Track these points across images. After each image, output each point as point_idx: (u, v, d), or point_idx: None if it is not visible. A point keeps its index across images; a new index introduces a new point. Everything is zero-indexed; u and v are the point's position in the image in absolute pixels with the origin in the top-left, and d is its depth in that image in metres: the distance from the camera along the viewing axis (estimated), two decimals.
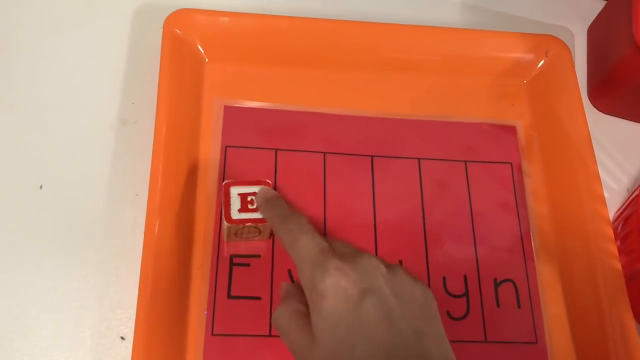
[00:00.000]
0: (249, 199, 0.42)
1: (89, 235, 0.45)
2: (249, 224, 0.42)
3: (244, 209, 0.42)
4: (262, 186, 0.43)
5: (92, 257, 0.45)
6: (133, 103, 0.50)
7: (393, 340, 0.32)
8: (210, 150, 0.48)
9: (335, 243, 0.38)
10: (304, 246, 0.36)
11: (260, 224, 0.42)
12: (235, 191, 0.43)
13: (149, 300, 0.41)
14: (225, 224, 0.42)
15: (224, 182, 0.43)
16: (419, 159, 0.51)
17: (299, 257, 0.36)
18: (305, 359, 0.34)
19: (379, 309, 0.33)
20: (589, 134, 0.51)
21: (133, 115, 0.50)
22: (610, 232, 0.47)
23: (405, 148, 0.51)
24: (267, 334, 0.43)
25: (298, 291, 0.39)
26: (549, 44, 0.55)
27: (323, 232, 0.47)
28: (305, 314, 0.36)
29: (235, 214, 0.42)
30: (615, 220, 0.50)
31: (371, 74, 0.53)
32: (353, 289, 0.33)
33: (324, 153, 0.50)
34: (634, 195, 0.48)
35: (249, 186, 0.43)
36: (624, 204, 0.51)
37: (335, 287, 0.33)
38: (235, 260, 0.45)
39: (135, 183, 0.47)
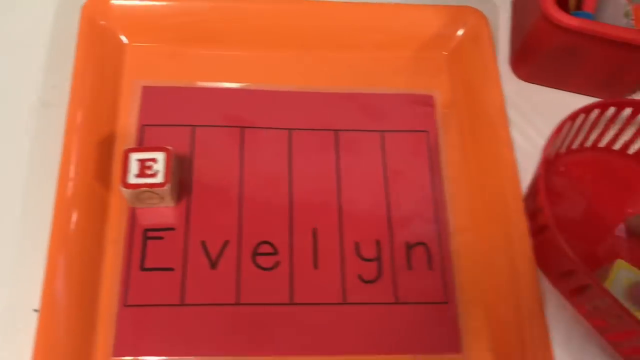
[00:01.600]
0: (147, 164, 0.43)
1: (7, 214, 0.46)
2: (145, 188, 0.43)
3: (141, 174, 0.43)
4: None
5: (8, 232, 0.46)
6: (54, 86, 0.52)
7: None
8: (127, 129, 0.50)
9: None
10: None
11: (156, 189, 0.43)
12: (134, 157, 0.44)
13: (56, 273, 0.42)
14: (121, 188, 0.43)
15: (125, 149, 0.44)
16: (335, 131, 0.52)
17: None
18: None
19: None
20: (504, 103, 0.52)
21: (54, 99, 0.51)
22: (520, 195, 0.48)
23: (322, 120, 0.52)
24: (179, 303, 0.44)
25: None
26: (467, 15, 0.56)
27: (239, 204, 0.48)
28: None
29: (132, 179, 0.43)
30: (530, 185, 0.51)
31: (290, 51, 0.54)
32: None
33: (241, 127, 0.51)
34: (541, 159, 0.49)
35: (148, 152, 0.44)
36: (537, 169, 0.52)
37: None
38: (149, 234, 0.46)
39: (54, 164, 0.48)
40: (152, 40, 0.53)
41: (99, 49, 0.51)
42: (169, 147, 0.45)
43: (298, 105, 0.52)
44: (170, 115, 0.50)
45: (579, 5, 0.53)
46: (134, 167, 0.44)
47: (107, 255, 0.45)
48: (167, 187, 0.43)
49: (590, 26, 0.48)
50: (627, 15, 0.50)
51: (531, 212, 0.47)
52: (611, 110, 0.50)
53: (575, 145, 0.53)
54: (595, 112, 0.50)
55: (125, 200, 0.46)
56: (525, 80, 0.57)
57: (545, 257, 0.47)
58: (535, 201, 0.46)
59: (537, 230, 0.46)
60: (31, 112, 0.50)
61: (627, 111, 0.51)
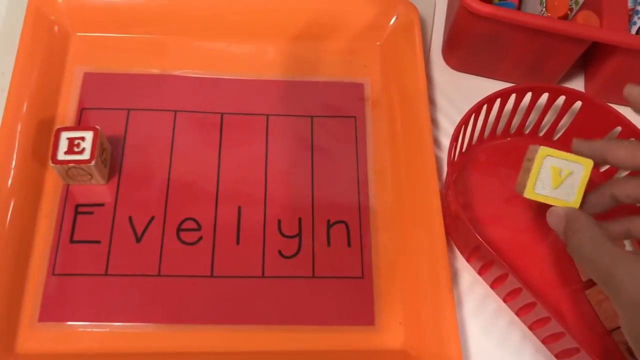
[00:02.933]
0: (75, 142, 0.46)
1: None
2: (72, 164, 0.46)
3: (70, 151, 0.46)
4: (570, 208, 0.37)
5: None
6: (3, 73, 0.55)
7: None
8: (66, 113, 0.53)
9: None
10: (628, 283, 0.30)
11: (83, 165, 0.46)
12: (65, 135, 0.47)
13: None
14: (51, 164, 0.46)
15: (57, 128, 0.47)
16: (267, 115, 0.54)
17: (627, 300, 0.30)
18: (624, 281, 0.30)
19: None
20: (426, 87, 0.54)
21: (1, 84, 0.54)
22: (435, 176, 0.50)
23: (254, 105, 0.54)
24: (104, 273, 0.47)
25: (583, 215, 0.36)
26: (398, 6, 0.58)
27: (167, 183, 0.50)
28: (606, 236, 0.33)
29: (61, 155, 0.46)
30: None
31: (226, 39, 0.57)
32: None
33: (175, 111, 0.53)
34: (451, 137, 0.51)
35: (77, 131, 0.47)
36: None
37: None
38: (80, 209, 0.49)
39: None
40: (96, 31, 0.56)
41: (44, 37, 0.54)
42: (97, 127, 0.47)
43: (231, 91, 0.55)
44: (108, 99, 0.53)
45: None
46: (63, 145, 0.47)
47: (39, 227, 0.48)
48: (92, 164, 0.46)
49: (505, 14, 0.50)
50: (541, 3, 0.52)
51: (445, 192, 0.49)
52: (529, 95, 0.52)
53: (499, 131, 0.55)
54: (513, 96, 0.52)
55: (59, 178, 0.49)
56: (456, 69, 0.59)
57: (457, 234, 0.49)
58: (446, 182, 0.49)
59: (452, 212, 0.48)
60: None
61: (545, 97, 0.52)
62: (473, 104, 0.56)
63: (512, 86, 0.51)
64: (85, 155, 0.46)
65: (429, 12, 0.61)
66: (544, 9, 0.51)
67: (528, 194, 0.39)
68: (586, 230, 0.34)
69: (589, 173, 0.38)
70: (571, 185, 0.38)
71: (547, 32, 0.50)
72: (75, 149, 0.46)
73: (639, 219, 0.38)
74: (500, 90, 0.50)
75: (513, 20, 0.50)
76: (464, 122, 0.49)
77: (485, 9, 0.50)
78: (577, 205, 0.38)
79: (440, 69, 0.59)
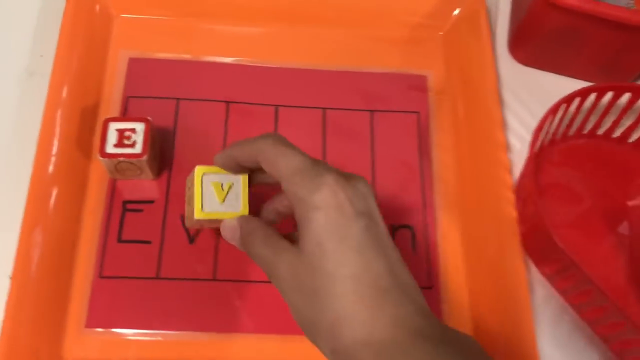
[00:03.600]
0: (126, 134, 0.43)
1: None
2: (122, 158, 0.42)
3: (119, 144, 0.42)
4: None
5: None
6: (42, 55, 0.51)
7: (382, 267, 0.31)
8: (111, 100, 0.49)
9: (320, 161, 0.35)
10: (293, 158, 0.33)
11: (134, 159, 0.42)
12: (113, 126, 0.43)
13: (32, 240, 0.41)
14: (99, 157, 0.42)
15: (105, 118, 0.43)
16: (323, 109, 0.51)
17: (288, 168, 0.33)
18: (286, 274, 0.33)
19: (372, 232, 0.32)
20: (497, 84, 0.50)
21: (41, 68, 0.51)
22: (510, 180, 0.47)
23: (309, 98, 0.51)
24: (155, 276, 0.43)
25: (254, 220, 0.37)
26: None
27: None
28: (275, 234, 0.35)
29: (110, 148, 0.42)
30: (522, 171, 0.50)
31: (282, 26, 0.53)
32: (350, 207, 0.32)
33: (227, 102, 0.50)
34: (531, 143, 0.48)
35: (127, 122, 0.43)
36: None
37: (331, 199, 0.32)
38: (129, 206, 0.45)
39: (38, 132, 0.48)
40: (141, 12, 0.52)
41: (87, 19, 0.50)
42: (149, 118, 0.44)
43: (286, 81, 0.51)
44: (155, 87, 0.50)
45: None
46: (112, 137, 0.43)
47: (84, 225, 0.45)
48: (144, 158, 0.43)
49: (589, 6, 0.46)
50: None
51: (522, 198, 0.46)
52: (609, 94, 0.48)
53: (571, 132, 0.51)
54: (592, 96, 0.48)
55: (106, 171, 0.46)
56: (523, 64, 0.55)
57: (534, 244, 0.46)
58: (525, 187, 0.45)
59: (527, 217, 0.45)
60: (19, 82, 0.50)
61: (626, 97, 0.49)
62: (542, 101, 0.52)
63: (592, 85, 0.47)
64: (137, 149, 0.43)
65: (493, 1, 0.57)
66: (631, 1, 0.47)
67: (198, 214, 0.38)
68: (257, 231, 0.36)
69: (247, 181, 0.39)
70: (235, 196, 0.38)
71: (634, 27, 0.46)
72: (126, 142, 0.43)
73: (278, 197, 0.38)
74: (580, 89, 0.47)
75: (599, 13, 0.46)
76: (543, 122, 0.45)
77: (569, 0, 0.46)
78: (246, 212, 0.38)
79: (506, 63, 0.55)
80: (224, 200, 0.38)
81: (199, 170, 0.38)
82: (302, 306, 0.32)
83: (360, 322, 0.30)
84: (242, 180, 0.39)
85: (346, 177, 0.33)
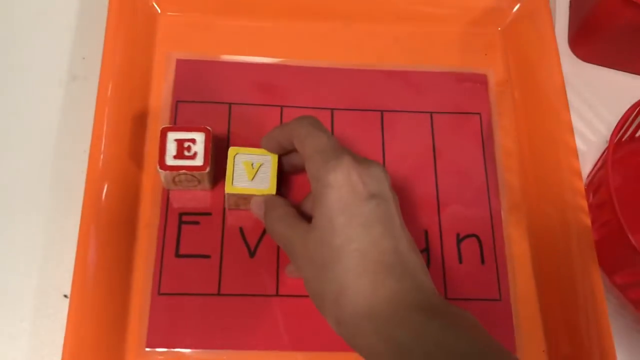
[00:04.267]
0: (185, 145, 0.40)
1: (36, 193, 0.44)
2: (184, 171, 0.40)
3: (179, 155, 0.40)
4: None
5: (38, 215, 0.44)
6: (84, 58, 0.49)
7: (387, 244, 0.33)
8: (160, 105, 0.46)
9: (343, 147, 0.37)
10: (318, 140, 0.36)
11: (196, 172, 0.40)
12: (172, 137, 0.41)
13: (87, 258, 0.39)
14: (158, 169, 0.40)
15: (162, 127, 0.41)
16: (381, 111, 0.48)
17: (312, 148, 0.36)
18: (300, 248, 0.35)
19: (382, 213, 0.34)
20: (564, 84, 0.48)
21: (83, 71, 0.48)
22: (581, 186, 0.45)
23: (367, 100, 0.48)
24: (216, 292, 0.42)
25: (278, 199, 0.40)
26: None
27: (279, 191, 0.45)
28: (295, 213, 0.38)
29: (170, 160, 0.40)
30: (591, 174, 0.48)
31: (335, 24, 0.51)
32: (362, 188, 0.34)
33: (282, 107, 0.47)
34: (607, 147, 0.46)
35: (187, 132, 0.41)
36: (600, 157, 0.48)
37: (345, 179, 0.34)
38: (185, 218, 0.43)
39: (84, 140, 0.45)
40: (187, 9, 0.49)
41: (131, 18, 0.47)
42: (208, 128, 0.41)
43: (341, 82, 0.49)
44: (205, 91, 0.47)
45: None
46: (171, 148, 0.41)
47: (140, 240, 0.43)
48: (207, 171, 0.41)
49: None
50: None
51: (594, 204, 0.44)
52: None
53: (639, 133, 0.49)
54: None
55: (159, 181, 0.44)
56: (585, 61, 0.53)
57: (608, 255, 0.44)
58: (599, 192, 0.43)
59: (600, 225, 0.43)
60: (61, 85, 0.48)
61: None
62: (607, 100, 0.51)
63: None
64: (198, 161, 0.41)
65: None
66: None
67: (228, 189, 0.40)
68: (278, 208, 0.38)
69: (276, 161, 0.41)
70: (264, 175, 0.41)
71: None
72: (186, 153, 0.41)
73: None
74: None
75: None
76: (622, 124, 0.43)
77: None
78: (273, 191, 0.40)
79: (565, 59, 0.52)
80: (253, 178, 0.41)
81: (232, 150, 0.41)
82: (312, 278, 0.34)
83: (362, 295, 0.32)
84: (272, 161, 0.41)
85: (363, 161, 0.35)
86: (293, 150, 0.39)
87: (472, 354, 0.30)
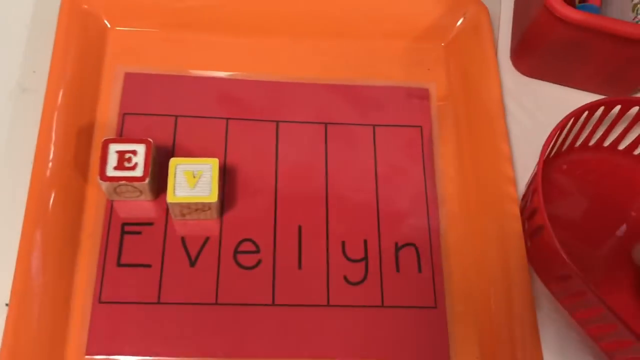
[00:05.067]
0: (126, 156, 0.42)
1: None
2: (124, 182, 0.41)
3: (120, 166, 0.41)
4: None
5: None
6: (34, 71, 0.50)
7: None
8: (107, 118, 0.48)
9: None
10: None
11: (136, 183, 0.41)
12: (113, 148, 0.42)
13: (28, 266, 0.40)
14: (99, 180, 0.41)
15: (104, 139, 0.42)
16: (325, 124, 0.50)
17: None
18: None
19: None
20: (501, 96, 0.50)
21: (33, 84, 0.49)
22: (514, 193, 0.46)
23: (311, 113, 0.50)
24: (156, 301, 0.42)
25: None
26: (466, 5, 0.53)
27: (222, 197, 0.46)
28: None
29: (110, 171, 0.41)
30: (527, 183, 0.49)
31: (282, 39, 0.52)
32: None
33: (227, 119, 0.49)
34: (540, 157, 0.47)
35: (128, 144, 0.42)
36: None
37: None
38: (127, 228, 0.44)
39: (32, 151, 0.46)
40: (136, 25, 0.51)
41: (81, 33, 0.49)
42: (149, 140, 0.43)
43: (287, 96, 0.50)
44: (152, 104, 0.48)
45: None
46: (112, 159, 0.42)
47: (82, 248, 0.43)
48: (146, 182, 0.42)
49: (596, 21, 0.45)
50: (634, 10, 0.47)
51: (528, 212, 0.45)
52: (617, 108, 0.48)
53: (578, 144, 0.51)
54: (600, 109, 0.47)
55: (103, 191, 0.44)
56: (526, 75, 0.54)
57: (540, 259, 0.45)
58: (532, 200, 0.44)
59: (533, 231, 0.44)
60: (11, 98, 0.48)
61: (634, 110, 0.48)
62: (546, 112, 0.53)
63: (601, 99, 0.46)
64: (138, 172, 0.42)
65: (494, 11, 0.56)
66: (638, 16, 0.47)
67: (170, 198, 0.42)
68: None
69: (217, 168, 0.43)
70: (205, 183, 0.42)
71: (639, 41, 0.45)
72: (126, 164, 0.42)
73: None
74: (589, 103, 0.46)
75: (605, 27, 0.45)
76: (552, 136, 0.44)
77: (575, 14, 0.45)
78: (214, 198, 0.42)
79: (507, 73, 0.55)
80: (194, 186, 0.42)
81: (172, 161, 0.43)
82: None
83: None
84: (212, 168, 0.42)
85: None
86: None
87: None
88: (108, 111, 0.48)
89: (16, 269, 0.40)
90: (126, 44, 0.50)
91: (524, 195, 0.48)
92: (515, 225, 0.45)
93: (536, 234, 0.44)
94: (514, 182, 0.47)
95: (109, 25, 0.50)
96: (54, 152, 0.44)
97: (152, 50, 0.50)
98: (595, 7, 0.50)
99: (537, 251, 0.45)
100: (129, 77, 0.49)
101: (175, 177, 0.42)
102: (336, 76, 0.52)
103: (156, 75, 0.49)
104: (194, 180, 0.42)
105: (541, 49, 0.51)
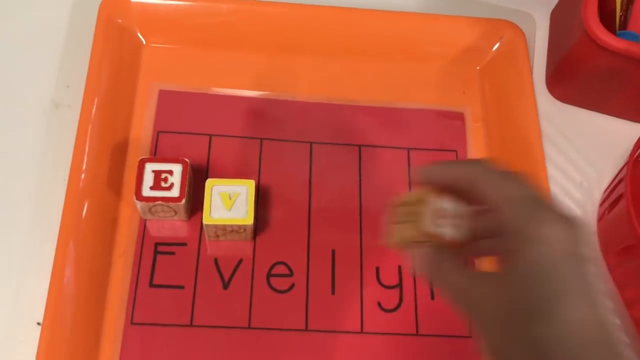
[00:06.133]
0: (162, 176, 0.41)
1: (13, 220, 0.44)
2: (160, 202, 0.41)
3: (156, 186, 0.41)
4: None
5: (16, 241, 0.44)
6: (68, 86, 0.49)
7: (595, 317, 0.30)
8: (141, 135, 0.47)
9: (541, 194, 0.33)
10: (517, 188, 0.32)
11: (172, 203, 0.41)
12: (150, 167, 0.41)
13: (61, 285, 0.40)
14: (135, 200, 0.41)
15: (140, 158, 0.42)
16: (359, 146, 0.49)
17: (509, 197, 0.32)
18: (487, 305, 0.32)
19: (589, 279, 0.31)
20: (538, 123, 0.49)
21: (67, 99, 0.49)
22: None
23: (345, 135, 0.49)
24: (189, 323, 0.42)
25: (446, 250, 0.35)
26: (503, 29, 0.53)
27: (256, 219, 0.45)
28: (468, 264, 0.36)
29: (147, 191, 0.41)
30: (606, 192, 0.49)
31: (316, 59, 0.52)
32: (571, 248, 0.30)
33: (261, 139, 0.48)
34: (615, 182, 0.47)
35: (164, 163, 0.42)
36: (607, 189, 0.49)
37: (554, 237, 0.30)
38: (160, 248, 0.44)
39: (65, 168, 0.46)
40: (171, 42, 0.50)
41: (116, 49, 0.48)
42: (186, 160, 0.42)
43: (320, 117, 0.50)
44: (186, 122, 0.48)
45: (624, 23, 0.50)
46: (148, 179, 0.41)
47: (115, 268, 0.43)
48: (182, 202, 0.41)
49: (638, 50, 0.45)
50: None
51: (610, 189, 0.46)
52: None
53: None
54: None
55: (136, 210, 0.44)
56: (561, 100, 0.54)
57: (610, 230, 0.46)
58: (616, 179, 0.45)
59: (611, 204, 0.46)
60: (45, 113, 0.48)
61: None
62: (582, 139, 0.52)
63: None
64: (174, 193, 0.41)
65: (529, 35, 0.56)
66: None
67: (206, 220, 0.41)
68: (449, 259, 0.35)
69: (253, 190, 0.42)
70: (241, 204, 0.42)
71: None
72: (163, 184, 0.41)
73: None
74: None
75: None
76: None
77: (616, 43, 0.45)
78: (250, 221, 0.42)
79: (542, 99, 0.54)
80: (230, 208, 0.41)
81: (209, 182, 0.42)
82: (501, 340, 0.31)
83: None
84: (248, 189, 0.42)
85: (569, 217, 0.32)
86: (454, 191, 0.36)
87: None
88: (142, 129, 0.47)
89: (50, 288, 0.40)
90: (161, 60, 0.50)
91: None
92: None
93: (614, 206, 0.45)
94: None
95: (144, 42, 0.50)
96: (87, 168, 0.44)
97: (187, 67, 0.50)
98: (635, 35, 0.49)
99: (608, 224, 0.46)
100: (163, 95, 0.49)
101: (211, 198, 0.42)
102: (371, 98, 0.51)
103: (190, 93, 0.49)
104: (230, 202, 0.42)
105: (579, 76, 0.50)
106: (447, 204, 0.34)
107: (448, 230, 0.35)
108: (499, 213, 0.32)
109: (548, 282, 0.30)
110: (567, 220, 0.31)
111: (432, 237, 0.35)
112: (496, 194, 0.32)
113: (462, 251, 0.35)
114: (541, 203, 0.32)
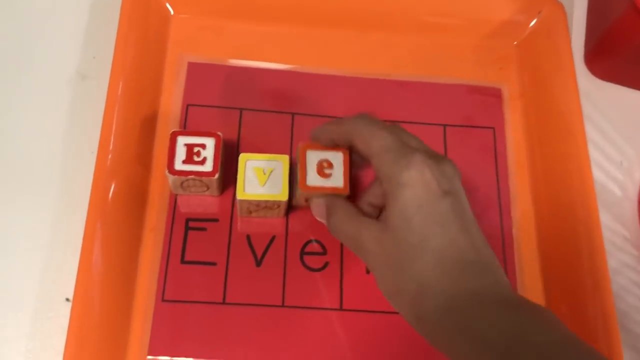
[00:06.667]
0: (195, 150, 0.40)
1: (41, 193, 0.43)
2: (192, 176, 0.39)
3: (188, 160, 0.40)
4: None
5: (43, 215, 0.43)
6: (94, 57, 0.48)
7: (465, 241, 0.33)
8: (170, 108, 0.46)
9: (411, 139, 0.37)
10: (385, 138, 0.35)
11: (205, 178, 0.40)
12: (182, 141, 0.40)
13: (90, 261, 0.39)
14: (167, 173, 0.40)
15: (172, 131, 0.40)
16: (393, 121, 0.47)
17: (380, 147, 0.35)
18: (373, 247, 0.35)
19: (457, 210, 0.34)
20: (579, 100, 0.47)
21: (93, 71, 0.48)
22: (593, 202, 0.44)
23: (379, 110, 0.48)
24: (221, 301, 0.41)
25: (339, 199, 0.39)
26: (541, 3, 0.51)
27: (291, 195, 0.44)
28: (359, 213, 0.38)
29: (179, 165, 0.39)
30: None
31: (349, 32, 0.50)
32: (436, 185, 0.34)
33: (293, 114, 0.47)
34: None
35: (197, 137, 0.40)
36: None
37: (418, 178, 0.34)
38: (191, 224, 0.43)
39: (92, 140, 0.44)
40: (200, 12, 0.49)
41: (143, 19, 0.47)
42: (219, 133, 0.41)
43: (353, 91, 0.48)
44: (216, 95, 0.46)
45: None
46: (181, 152, 0.40)
47: (145, 243, 0.42)
48: (215, 177, 0.40)
49: None
50: None
51: None
52: None
53: None
54: None
55: (166, 184, 0.43)
56: (601, 78, 0.52)
57: None
58: None
59: None
60: (70, 84, 0.47)
61: None
62: (623, 118, 0.50)
63: None
64: (207, 167, 0.40)
65: (567, 9, 0.54)
66: None
67: (240, 195, 0.40)
68: (339, 208, 0.38)
69: (287, 166, 0.41)
70: (276, 180, 0.41)
71: None
72: (196, 158, 0.40)
73: (371, 189, 0.39)
74: None
75: None
76: None
77: None
78: (285, 197, 0.40)
79: (582, 76, 0.52)
80: (264, 184, 0.40)
81: (242, 156, 0.41)
82: (388, 277, 0.34)
83: (443, 292, 0.32)
84: (283, 166, 0.41)
85: (434, 157, 0.35)
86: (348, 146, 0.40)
87: (553, 346, 0.30)
88: (171, 102, 0.46)
89: (79, 265, 0.38)
90: (189, 32, 0.48)
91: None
92: (594, 233, 0.43)
93: None
94: (592, 186, 0.44)
95: (172, 12, 0.49)
96: (116, 142, 0.42)
97: (216, 39, 0.48)
98: None
99: None
100: (192, 67, 0.47)
101: (245, 173, 0.40)
102: (404, 73, 0.50)
103: (221, 65, 0.48)
104: (264, 177, 0.40)
105: (622, 52, 0.49)
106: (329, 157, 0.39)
107: (329, 182, 0.39)
108: (374, 162, 0.36)
109: (414, 220, 0.33)
110: (433, 161, 0.34)
111: (317, 189, 0.39)
112: (371, 145, 0.36)
113: (355, 201, 0.39)
114: (406, 150, 0.34)
